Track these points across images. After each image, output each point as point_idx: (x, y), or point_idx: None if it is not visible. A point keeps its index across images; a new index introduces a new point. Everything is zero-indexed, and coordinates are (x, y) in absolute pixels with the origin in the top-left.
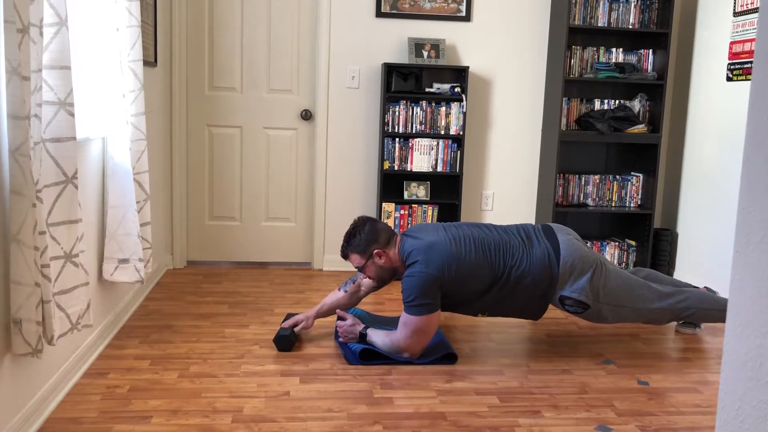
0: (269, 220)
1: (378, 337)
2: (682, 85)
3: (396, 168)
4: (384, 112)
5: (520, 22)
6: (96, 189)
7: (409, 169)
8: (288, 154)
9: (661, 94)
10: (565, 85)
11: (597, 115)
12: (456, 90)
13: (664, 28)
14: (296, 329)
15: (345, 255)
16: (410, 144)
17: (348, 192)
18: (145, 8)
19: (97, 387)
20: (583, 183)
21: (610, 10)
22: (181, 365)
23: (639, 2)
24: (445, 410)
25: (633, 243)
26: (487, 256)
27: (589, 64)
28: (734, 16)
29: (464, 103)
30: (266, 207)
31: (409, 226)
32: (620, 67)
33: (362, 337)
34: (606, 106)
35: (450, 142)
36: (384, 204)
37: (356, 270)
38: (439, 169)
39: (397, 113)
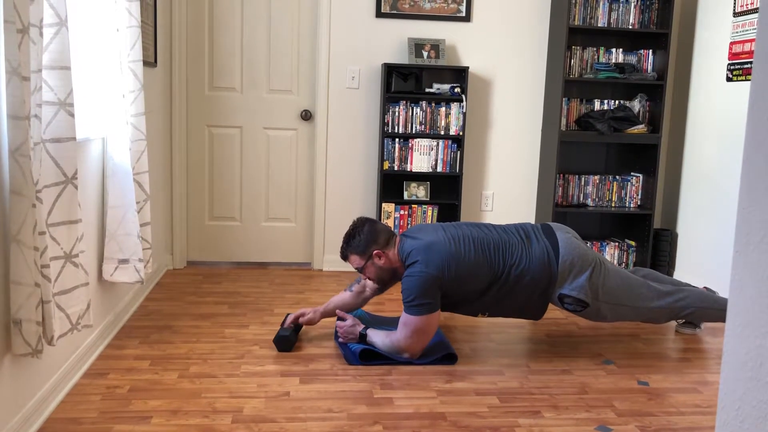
0: (269, 221)
1: (378, 338)
2: (682, 86)
3: (396, 168)
4: (384, 112)
5: (520, 22)
6: (96, 189)
7: (408, 170)
8: (288, 155)
9: (661, 95)
10: (565, 86)
11: (597, 115)
12: (456, 90)
13: (664, 28)
14: (301, 320)
15: (344, 256)
16: (410, 144)
17: (348, 192)
18: (145, 8)
19: (97, 387)
20: (582, 183)
21: (610, 10)
22: (181, 365)
23: (639, 2)
24: (445, 410)
25: (633, 243)
26: (486, 255)
27: (589, 65)
28: (734, 17)
29: (464, 103)
30: (266, 207)
31: (409, 226)
32: (620, 67)
33: (362, 337)
34: (606, 107)
35: (450, 142)
36: (384, 204)
37: (356, 271)
38: (439, 169)
39: (397, 113)
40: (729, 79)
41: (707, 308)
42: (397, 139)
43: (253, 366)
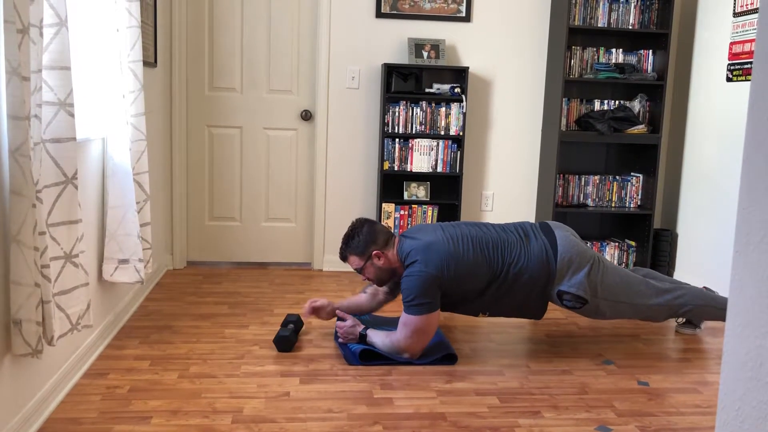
0: (269, 221)
1: (378, 338)
2: (682, 86)
3: (396, 168)
4: (384, 112)
5: (520, 22)
6: (96, 189)
7: (409, 170)
8: (288, 155)
9: (661, 95)
10: (565, 86)
11: (597, 115)
12: (456, 90)
13: (664, 28)
14: (316, 304)
15: (344, 257)
16: (410, 144)
17: (348, 192)
18: (145, 9)
19: (97, 387)
20: (583, 183)
21: (610, 10)
22: (181, 366)
23: (639, 3)
24: (445, 411)
25: (633, 243)
26: (485, 254)
27: (589, 65)
28: (734, 17)
29: (464, 103)
30: (266, 207)
31: (409, 226)
32: (620, 67)
33: (362, 337)
34: (606, 107)
35: (450, 142)
36: (384, 204)
37: (355, 272)
38: (439, 169)
39: (397, 114)
40: (729, 80)
41: (706, 306)
42: (397, 139)
43: (253, 366)
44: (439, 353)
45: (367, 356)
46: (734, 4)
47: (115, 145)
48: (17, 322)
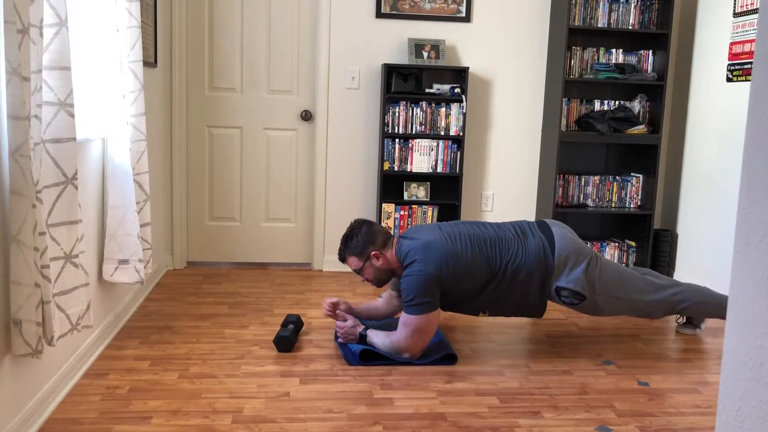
0: (269, 221)
1: (378, 338)
2: (682, 86)
3: (396, 169)
4: (384, 112)
5: (520, 22)
6: (96, 190)
7: (409, 170)
8: (288, 155)
9: (661, 95)
10: (565, 86)
11: (597, 115)
12: (456, 91)
13: (664, 28)
14: (332, 300)
15: (343, 258)
16: (410, 145)
17: (348, 193)
18: (145, 9)
19: (97, 388)
20: (583, 184)
21: (610, 10)
22: (181, 366)
23: (639, 3)
24: (445, 411)
25: (633, 244)
26: (483, 252)
27: (589, 65)
28: (734, 17)
29: (464, 103)
30: (266, 208)
31: (409, 226)
32: (620, 67)
33: (362, 338)
34: (606, 107)
35: (450, 142)
36: (384, 205)
37: (354, 273)
38: (439, 169)
39: (397, 114)
40: (729, 80)
41: (704, 303)
42: (397, 140)
43: (253, 366)
44: (439, 353)
45: (367, 356)
46: (734, 4)
47: (115, 146)
48: (17, 323)
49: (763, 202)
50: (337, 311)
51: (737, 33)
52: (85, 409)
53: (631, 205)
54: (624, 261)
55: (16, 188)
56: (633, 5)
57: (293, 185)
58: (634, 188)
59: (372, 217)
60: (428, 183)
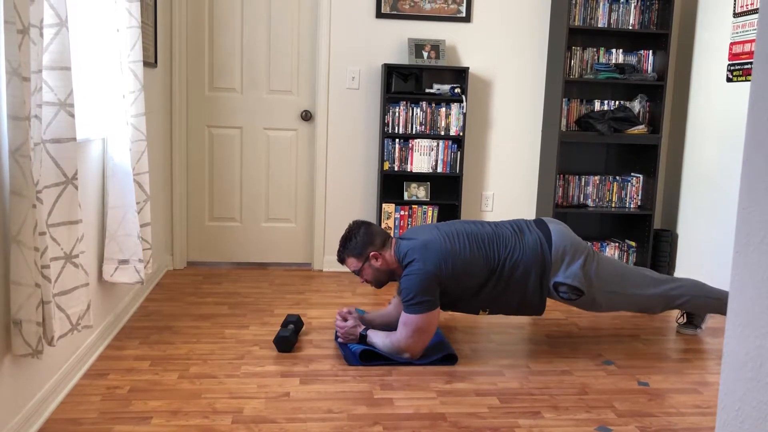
0: (269, 221)
1: (378, 338)
2: (682, 86)
3: (396, 169)
4: (384, 112)
5: (520, 22)
6: (96, 190)
7: (409, 170)
8: (288, 155)
9: (661, 95)
10: (565, 86)
11: (597, 115)
12: (456, 91)
13: (664, 29)
14: (344, 312)
15: (342, 259)
16: (410, 145)
17: (348, 193)
18: (145, 9)
19: (97, 388)
20: (583, 184)
21: (610, 10)
22: (181, 366)
23: (639, 3)
24: (445, 411)
25: (633, 244)
26: (481, 249)
27: (589, 65)
28: (734, 17)
29: (464, 103)
30: (266, 208)
31: (410, 227)
32: (620, 67)
33: (362, 338)
34: (606, 107)
35: (450, 142)
36: (384, 205)
37: (353, 274)
38: (439, 169)
39: (397, 114)
40: (729, 80)
41: (702, 297)
42: (397, 140)
43: (253, 366)
44: (439, 353)
45: (367, 356)
46: (734, 4)
47: (116, 146)
48: (17, 323)
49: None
50: (338, 311)
51: (737, 33)
52: (85, 410)
53: (631, 206)
54: (624, 261)
55: (17, 188)
56: (633, 5)
57: (293, 185)
58: (634, 188)
59: (372, 217)
60: (428, 183)
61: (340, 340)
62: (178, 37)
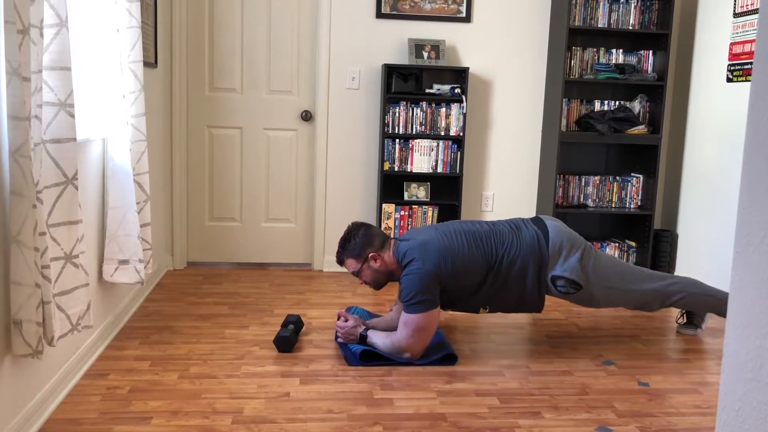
0: (269, 221)
1: (378, 338)
2: (682, 86)
3: (396, 169)
4: (384, 113)
5: (520, 23)
6: (96, 190)
7: (409, 170)
8: (288, 155)
9: (661, 95)
10: (565, 86)
11: (597, 116)
12: (456, 91)
13: (664, 29)
14: (344, 315)
15: (341, 261)
16: (410, 145)
17: (348, 193)
18: (146, 9)
19: (97, 388)
20: (583, 184)
21: (610, 11)
22: (181, 366)
23: (639, 3)
24: (445, 411)
25: (633, 244)
26: (480, 246)
27: (589, 65)
28: (734, 17)
29: (464, 104)
30: (266, 208)
31: (410, 227)
32: (620, 68)
33: (362, 338)
34: (606, 107)
35: (450, 143)
36: (384, 205)
37: (353, 275)
38: (440, 170)
39: (397, 114)
40: (729, 80)
41: (698, 294)
42: (397, 140)
43: (254, 367)
44: (439, 353)
45: (367, 357)
46: (734, 4)
47: (116, 146)
48: (17, 323)
49: (763, 202)
50: (338, 311)
51: (737, 33)
52: (85, 410)
53: (632, 206)
54: (624, 261)
55: (17, 188)
56: (633, 5)
57: (293, 185)
58: (634, 188)
59: (372, 217)
60: (428, 183)
61: (340, 340)
62: (179, 37)
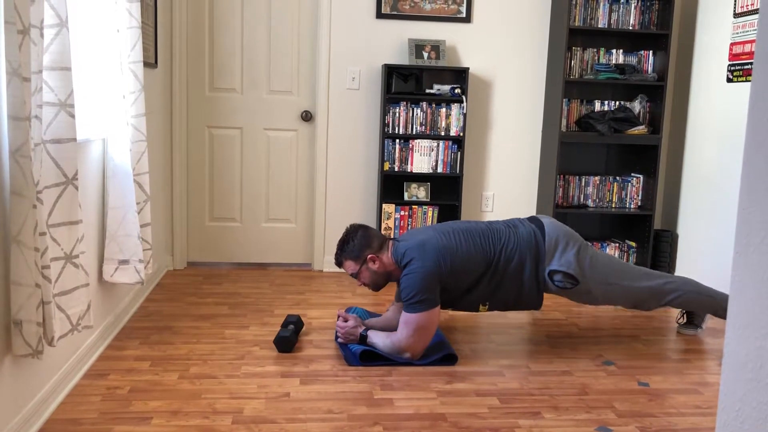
0: (269, 221)
1: (379, 339)
2: (682, 87)
3: (396, 169)
4: (384, 113)
5: (521, 23)
6: (96, 190)
7: (409, 170)
8: (288, 155)
9: (662, 96)
10: (566, 86)
11: (597, 116)
12: (456, 91)
13: (664, 29)
14: (344, 316)
15: (339, 262)
16: (410, 145)
17: (348, 193)
18: (146, 9)
19: (97, 388)
20: (583, 184)
21: (611, 11)
22: (182, 366)
23: (639, 3)
24: (446, 411)
25: (633, 244)
26: (477, 243)
27: (589, 66)
28: (734, 18)
29: (464, 104)
30: (266, 208)
31: (410, 227)
32: (620, 68)
33: (363, 338)
34: (606, 108)
35: (450, 143)
36: (384, 205)
37: (351, 277)
38: (440, 170)
39: (397, 114)
40: (729, 80)
41: (695, 293)
42: (397, 140)
43: (254, 367)
44: (439, 353)
45: (367, 357)
46: (734, 4)
47: (116, 146)
48: (18, 323)
49: (763, 202)
50: (338, 311)
51: (737, 33)
52: (85, 410)
53: (632, 206)
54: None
55: (17, 189)
56: (633, 6)
57: (293, 186)
58: (634, 189)
59: (372, 217)
60: (428, 183)
61: (340, 340)
62: (179, 37)
